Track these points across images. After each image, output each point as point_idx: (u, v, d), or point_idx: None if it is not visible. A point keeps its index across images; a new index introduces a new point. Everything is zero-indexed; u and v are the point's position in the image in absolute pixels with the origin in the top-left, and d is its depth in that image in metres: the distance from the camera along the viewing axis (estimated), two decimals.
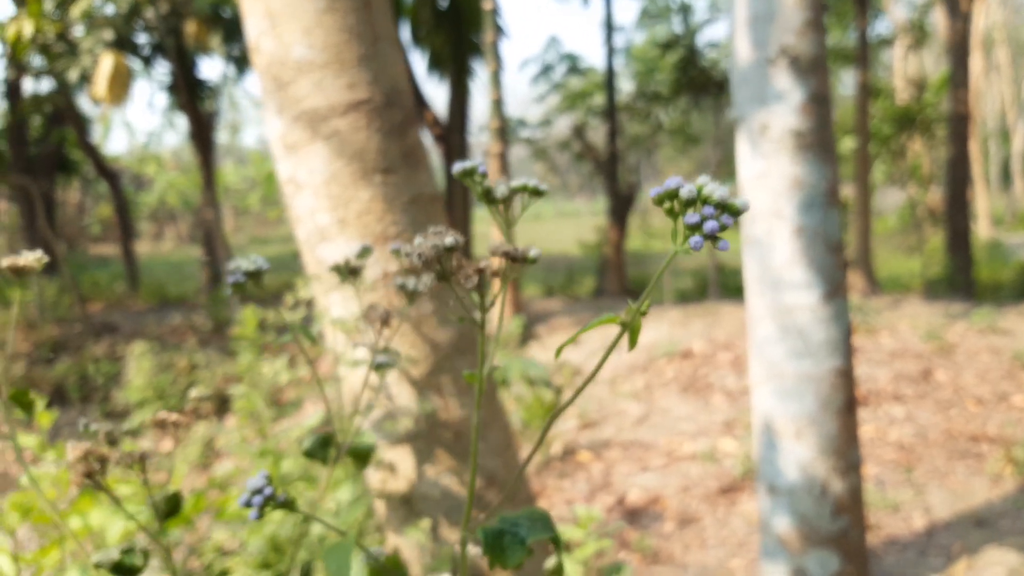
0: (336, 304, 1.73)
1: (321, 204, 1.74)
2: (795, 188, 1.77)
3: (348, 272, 1.49)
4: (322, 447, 0.89)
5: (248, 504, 0.49)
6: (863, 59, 8.66)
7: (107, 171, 12.21)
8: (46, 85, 12.18)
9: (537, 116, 12.27)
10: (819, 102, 1.73)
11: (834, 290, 1.78)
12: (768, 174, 1.79)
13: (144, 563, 0.74)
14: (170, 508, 0.77)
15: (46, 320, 10.18)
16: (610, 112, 9.31)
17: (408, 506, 1.73)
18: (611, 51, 9.37)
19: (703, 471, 3.81)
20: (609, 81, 9.30)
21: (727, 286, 9.89)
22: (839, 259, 1.81)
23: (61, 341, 9.81)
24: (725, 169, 10.72)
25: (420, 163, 1.80)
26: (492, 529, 0.52)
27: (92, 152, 12.18)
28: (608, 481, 3.89)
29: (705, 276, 10.54)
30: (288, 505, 0.50)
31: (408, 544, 1.73)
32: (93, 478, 0.72)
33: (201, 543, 3.25)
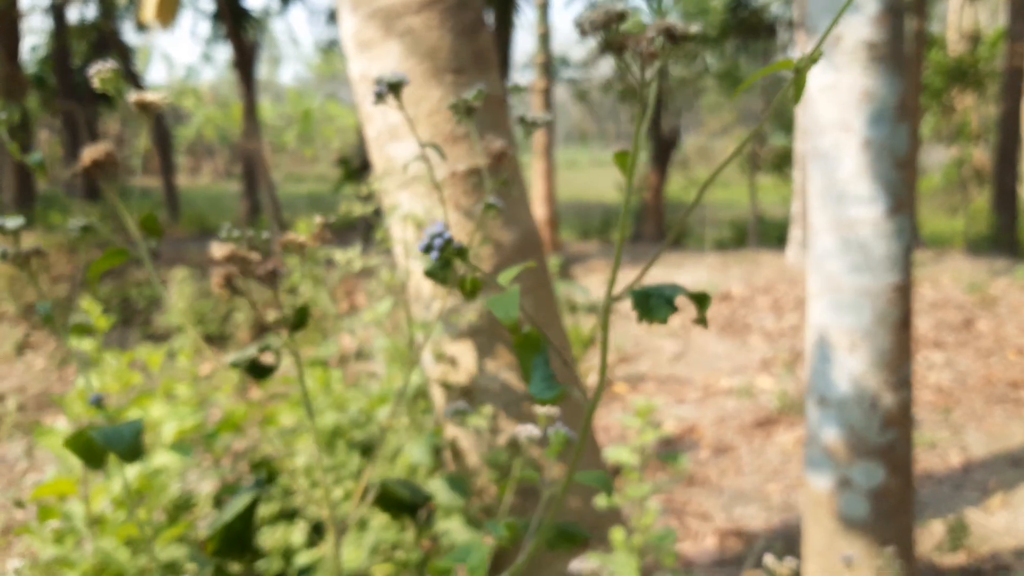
0: (405, 201, 1.77)
1: (392, 102, 1.76)
2: (865, 100, 1.76)
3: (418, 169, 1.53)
4: (443, 267, 0.93)
5: (428, 248, 0.53)
6: (920, 7, 8.44)
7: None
8: (92, 11, 12.24)
9: (579, 57, 12.12)
10: (894, 13, 1.72)
11: (898, 206, 1.79)
12: (838, 86, 1.79)
13: (278, 363, 0.79)
14: (299, 320, 0.81)
15: (90, 244, 10.30)
16: None
17: (467, 398, 1.79)
18: None
19: (739, 405, 3.85)
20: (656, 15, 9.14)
21: (766, 236, 9.82)
22: (905, 175, 1.82)
23: None
24: (773, 120, 10.55)
25: (489, 65, 1.82)
26: (639, 291, 0.56)
27: (135, 81, 12.25)
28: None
29: (744, 227, 10.47)
30: (461, 253, 0.54)
31: (465, 434, 1.79)
32: (232, 283, 0.76)
33: (250, 451, 3.36)
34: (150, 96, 0.85)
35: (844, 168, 1.79)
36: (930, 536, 2.52)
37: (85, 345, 3.14)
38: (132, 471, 2.47)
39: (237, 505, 0.69)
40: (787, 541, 2.53)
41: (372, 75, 1.77)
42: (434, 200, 1.74)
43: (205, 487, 2.85)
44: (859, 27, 1.75)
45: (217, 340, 8.11)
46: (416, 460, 1.67)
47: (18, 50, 11.71)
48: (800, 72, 0.49)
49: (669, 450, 3.50)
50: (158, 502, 2.48)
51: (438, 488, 1.68)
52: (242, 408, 3.22)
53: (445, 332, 1.79)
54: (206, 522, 2.51)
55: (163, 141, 13.50)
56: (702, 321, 0.56)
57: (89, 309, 3.35)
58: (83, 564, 2.30)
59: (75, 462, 2.51)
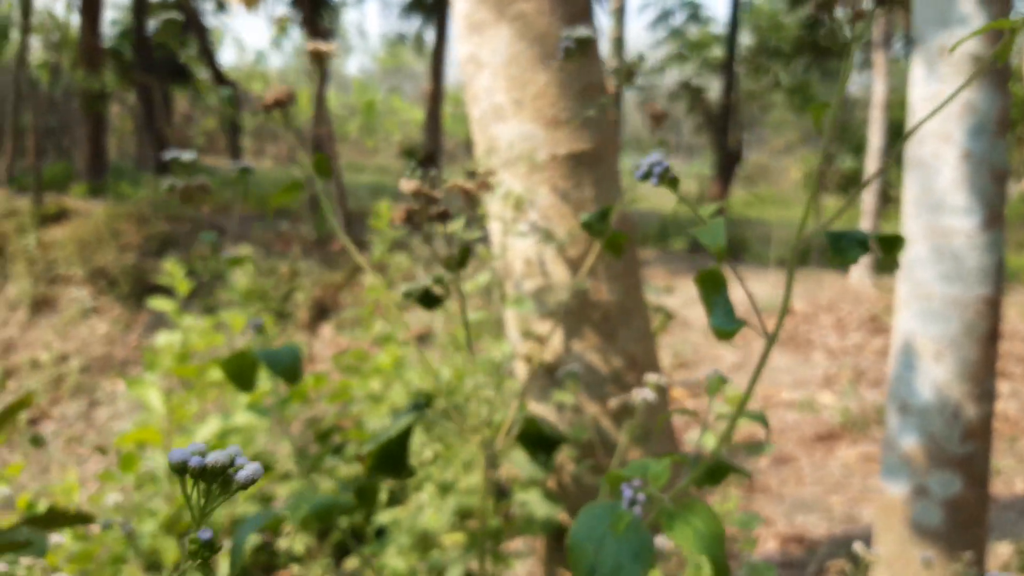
0: (506, 180, 1.82)
1: (499, 84, 1.82)
2: (967, 112, 1.77)
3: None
4: (600, 220, 0.97)
5: (647, 174, 0.57)
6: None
7: (223, 80, 12.56)
8: None
9: (649, 65, 12.11)
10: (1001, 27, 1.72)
11: (993, 219, 1.79)
12: (941, 97, 1.79)
13: (446, 294, 0.84)
14: (462, 258, 0.86)
15: (157, 216, 10.65)
16: (728, 64, 9.15)
17: (550, 376, 1.83)
18: (736, 1, 9.17)
19: (799, 418, 3.83)
20: (732, 30, 9.12)
21: (827, 255, 9.70)
22: (1002, 189, 1.82)
23: (170, 237, 10.27)
24: (842, 142, 10.42)
25: (594, 54, 1.86)
26: (833, 232, 0.60)
27: (210, 60, 12.54)
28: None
29: (808, 246, 10.34)
30: (673, 182, 0.58)
31: (547, 411, 1.84)
32: (412, 219, 0.82)
33: (319, 419, 3.45)
34: (323, 46, 0.90)
35: (942, 178, 1.80)
36: (995, 558, 2.50)
37: (165, 306, 3.25)
38: (212, 427, 2.57)
39: (398, 425, 0.74)
40: (851, 550, 2.52)
41: (482, 57, 1.83)
42: (533, 181, 1.78)
43: (280, 450, 2.93)
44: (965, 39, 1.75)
45: (277, 318, 8.27)
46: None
47: (99, 22, 12.07)
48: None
49: (729, 456, 3.50)
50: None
51: (520, 460, 1.72)
52: (311, 379, 3.31)
53: (534, 311, 1.83)
54: (283, 489, 2.59)
55: (234, 128, 13.80)
56: (892, 263, 0.59)
57: (173, 271, 3.46)
58: (163, 512, 2.39)
59: (159, 414, 2.61)
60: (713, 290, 0.60)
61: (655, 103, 1.07)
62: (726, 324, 0.59)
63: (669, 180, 0.56)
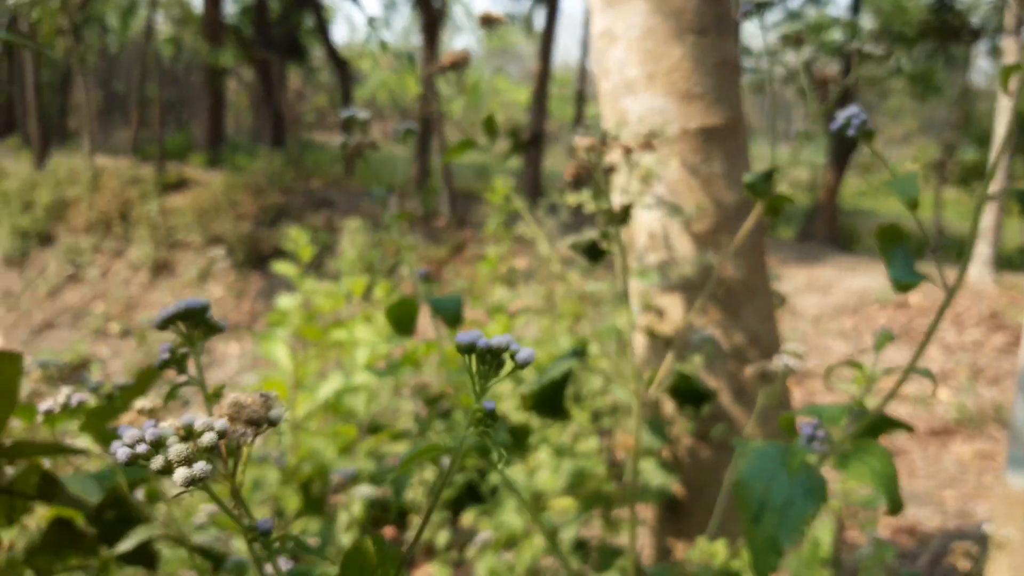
0: (635, 153, 1.83)
1: (632, 58, 1.83)
2: None
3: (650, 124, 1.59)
4: (764, 180, 1.00)
5: (843, 127, 0.59)
6: None
7: (338, 57, 12.89)
8: None
9: (759, 48, 11.82)
10: None
11: None
12: None
13: (611, 249, 0.88)
14: (624, 215, 0.90)
15: (272, 188, 11.05)
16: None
17: (669, 350, 1.85)
18: None
19: (912, 412, 3.73)
20: (854, 13, 8.82)
21: (946, 250, 9.33)
22: None
23: (284, 208, 10.65)
24: (966, 131, 9.96)
25: (730, 30, 1.85)
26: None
27: (326, 38, 12.89)
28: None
29: (923, 239, 9.96)
30: (869, 135, 0.60)
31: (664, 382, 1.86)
32: (582, 175, 0.86)
33: (427, 385, 3.54)
34: (494, 13, 0.94)
35: None
36: None
37: (288, 270, 3.40)
38: (334, 384, 2.69)
39: (559, 368, 0.79)
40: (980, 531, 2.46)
41: (616, 31, 1.85)
42: (662, 154, 1.80)
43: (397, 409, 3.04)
44: None
45: None
46: (620, 399, 1.75)
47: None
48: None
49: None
50: (361, 413, 2.68)
51: (639, 429, 1.75)
52: (424, 345, 3.41)
53: (656, 284, 1.85)
54: (399, 447, 2.70)
55: (346, 99, 14.16)
56: None
57: (297, 237, 3.60)
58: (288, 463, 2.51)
59: (285, 369, 2.74)
60: (892, 243, 0.62)
61: (823, 67, 1.08)
62: (905, 276, 0.60)
63: (866, 132, 0.58)
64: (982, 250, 7.14)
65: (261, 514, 2.22)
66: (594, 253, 0.92)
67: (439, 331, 1.60)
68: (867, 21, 10.54)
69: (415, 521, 2.13)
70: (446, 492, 2.23)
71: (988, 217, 7.38)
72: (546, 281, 3.09)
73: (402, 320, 1.01)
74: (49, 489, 0.93)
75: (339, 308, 3.12)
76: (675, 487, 1.87)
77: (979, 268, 7.08)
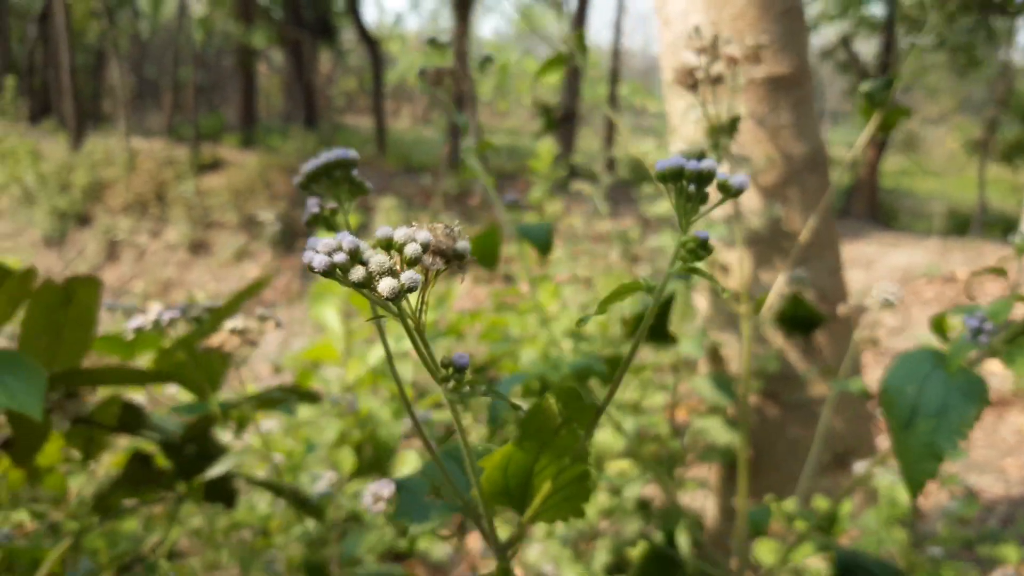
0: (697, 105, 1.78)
1: (695, 5, 1.78)
2: None
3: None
4: (884, 88, 0.95)
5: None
6: None
7: (369, 37, 12.87)
8: None
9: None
10: None
11: None
12: None
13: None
14: (732, 124, 0.86)
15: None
16: (889, 21, 8.67)
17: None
18: None
19: None
20: None
21: (989, 228, 9.15)
22: None
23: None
24: (1009, 108, 9.73)
25: None
26: None
27: (357, 17, 12.86)
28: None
29: (963, 217, 9.80)
30: None
31: (732, 341, 1.81)
32: (696, 79, 0.82)
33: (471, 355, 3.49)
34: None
35: None
36: None
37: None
38: (381, 350, 2.66)
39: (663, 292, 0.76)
40: None
41: None
42: (726, 105, 1.74)
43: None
44: None
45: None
46: (687, 353, 1.71)
47: None
48: None
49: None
50: (407, 380, 2.66)
51: (703, 385, 1.71)
52: (467, 316, 3.38)
53: (719, 239, 1.80)
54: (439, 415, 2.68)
55: (377, 83, 14.13)
56: None
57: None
58: (336, 426, 2.50)
59: (336, 335, 2.72)
60: None
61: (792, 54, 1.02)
62: None
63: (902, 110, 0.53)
64: None
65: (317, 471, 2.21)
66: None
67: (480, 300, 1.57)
68: None
69: None
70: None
71: None
72: (596, 244, 3.05)
73: (487, 251, 0.98)
74: (132, 420, 0.91)
75: None
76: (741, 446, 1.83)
77: None
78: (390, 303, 0.39)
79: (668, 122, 1.90)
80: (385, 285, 0.38)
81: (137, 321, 0.80)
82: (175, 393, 1.58)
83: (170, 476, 1.01)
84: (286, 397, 1.00)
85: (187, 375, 0.95)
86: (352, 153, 0.56)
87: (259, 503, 1.65)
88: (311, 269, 0.40)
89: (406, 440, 2.28)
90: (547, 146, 3.25)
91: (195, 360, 0.83)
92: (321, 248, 0.40)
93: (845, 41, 9.72)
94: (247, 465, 1.67)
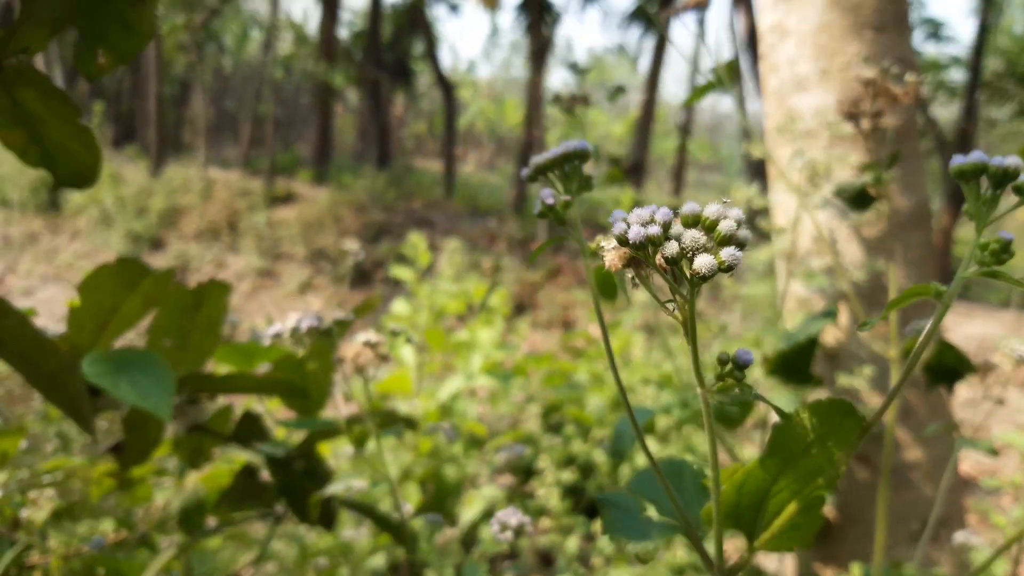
0: (808, 150, 1.76)
1: (804, 53, 1.76)
2: None
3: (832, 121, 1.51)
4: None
5: None
6: None
7: (445, 81, 13.11)
8: None
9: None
10: None
11: None
12: None
13: (879, 196, 0.81)
14: (892, 160, 0.83)
15: (375, 206, 11.26)
16: (971, 87, 8.54)
17: (832, 360, 1.75)
18: (985, 22, 8.55)
19: None
20: (978, 51, 8.52)
21: None
22: None
23: (385, 225, 10.82)
24: None
25: (907, 27, 1.76)
26: None
27: (435, 61, 13.12)
28: None
29: None
30: None
31: (823, 397, 1.75)
32: (858, 114, 0.80)
33: (534, 397, 3.47)
34: (582, 95, 0.89)
35: None
36: None
37: (406, 275, 3.40)
38: (456, 383, 2.65)
39: (807, 331, 0.72)
40: None
41: (788, 25, 1.78)
42: (834, 154, 1.71)
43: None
44: None
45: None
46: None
47: (336, 19, 12.91)
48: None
49: (968, 490, 3.26)
50: (473, 417, 2.64)
51: None
52: (532, 359, 3.34)
53: (817, 292, 1.76)
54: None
55: (450, 126, 14.36)
56: None
57: (416, 243, 3.60)
58: (403, 458, 2.48)
59: (410, 367, 2.72)
60: None
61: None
62: None
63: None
64: None
65: (385, 505, 2.19)
66: (861, 200, 0.85)
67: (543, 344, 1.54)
68: (991, 61, 10.15)
69: (544, 523, 2.07)
70: (581, 500, 2.16)
71: None
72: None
73: (606, 284, 0.96)
74: (248, 430, 0.91)
75: (462, 311, 3.10)
76: (827, 509, 1.76)
77: None
78: (663, 295, 0.38)
79: (771, 169, 1.87)
80: (702, 262, 0.37)
81: (276, 328, 0.80)
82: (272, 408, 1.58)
83: (271, 492, 1.00)
84: (398, 417, 0.99)
85: (309, 387, 0.95)
86: (588, 145, 0.55)
87: (342, 528, 1.63)
88: (622, 242, 0.39)
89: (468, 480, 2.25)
90: (629, 193, 3.23)
91: (314, 375, 0.82)
92: (634, 219, 0.39)
93: (924, 106, 9.57)
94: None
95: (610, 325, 3.38)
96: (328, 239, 10.42)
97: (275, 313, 10.07)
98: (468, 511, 2.15)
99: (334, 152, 17.87)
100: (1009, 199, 0.43)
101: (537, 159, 0.54)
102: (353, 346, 0.74)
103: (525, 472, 2.46)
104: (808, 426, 0.41)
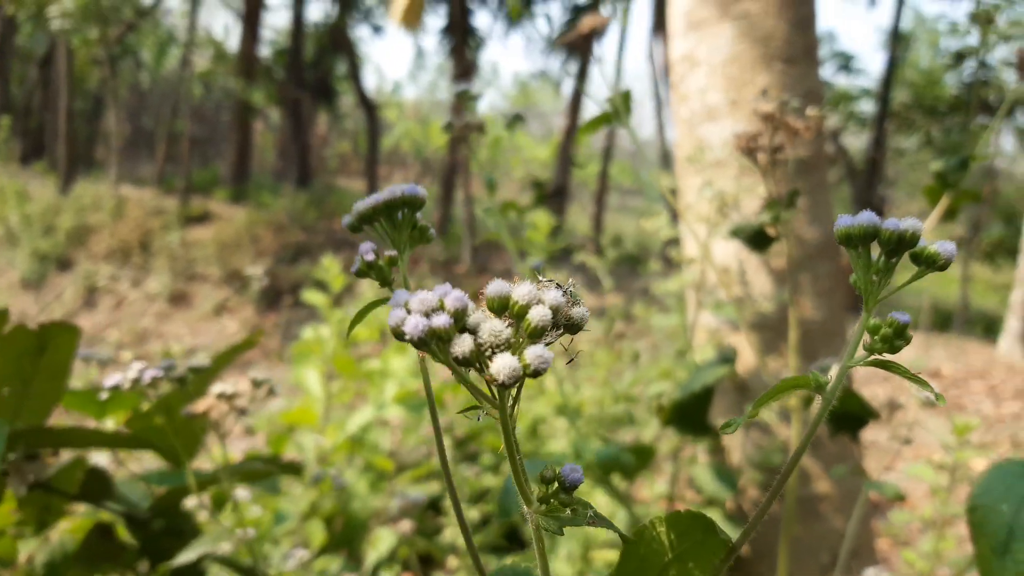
0: (716, 180, 1.74)
1: (715, 83, 1.75)
2: None
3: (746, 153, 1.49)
4: (957, 169, 0.89)
5: None
6: None
7: (368, 102, 12.99)
8: (331, 9, 13.08)
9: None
10: None
11: None
12: None
13: (779, 236, 0.77)
14: (791, 199, 0.79)
15: (294, 226, 11.04)
16: (880, 117, 8.85)
17: (741, 393, 1.73)
18: (893, 56, 8.89)
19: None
20: (886, 85, 8.83)
21: (971, 325, 9.18)
22: None
23: (304, 246, 10.61)
24: (993, 208, 9.88)
25: (816, 60, 1.77)
26: None
27: (358, 82, 12.99)
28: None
29: (945, 313, 9.84)
30: None
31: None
32: (754, 150, 0.76)
33: (451, 428, 3.38)
34: (518, 114, 0.85)
35: None
36: None
37: (318, 300, 3.30)
38: (363, 417, 2.56)
39: (702, 379, 0.68)
40: None
41: (698, 55, 1.77)
42: (743, 185, 1.70)
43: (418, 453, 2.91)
44: None
45: None
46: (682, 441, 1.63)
47: (257, 37, 12.69)
48: None
49: (878, 514, 3.30)
50: (385, 449, 2.55)
51: (703, 475, 1.63)
52: (447, 386, 3.27)
53: (725, 323, 1.74)
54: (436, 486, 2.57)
55: (372, 147, 14.21)
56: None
57: (329, 266, 3.50)
58: (307, 496, 2.38)
59: (316, 398, 2.62)
60: None
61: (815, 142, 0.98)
62: None
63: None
64: (1013, 325, 7.00)
65: (284, 547, 2.08)
66: (760, 240, 0.82)
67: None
68: (899, 93, 10.56)
69: (452, 564, 1.99)
70: (485, 536, 2.09)
71: (1018, 293, 7.25)
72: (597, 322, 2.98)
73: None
74: (96, 488, 0.82)
75: (375, 338, 3.01)
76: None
77: (1009, 343, 6.93)
78: (482, 385, 0.31)
79: (680, 199, 1.85)
80: (502, 366, 0.30)
81: (115, 378, 0.71)
82: (143, 456, 1.47)
83: (132, 553, 0.91)
84: (269, 470, 0.91)
85: (164, 441, 0.86)
86: (422, 191, 0.48)
87: None
88: (399, 336, 0.31)
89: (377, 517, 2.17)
90: (544, 217, 3.20)
91: (174, 426, 0.74)
92: (415, 306, 0.31)
93: (834, 136, 9.89)
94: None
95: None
96: (244, 260, 10.15)
97: (189, 337, 9.74)
98: (373, 552, 2.06)
99: (254, 171, 17.52)
100: (902, 272, 0.38)
101: (360, 205, 0.48)
102: (206, 399, 0.66)
103: (434, 508, 2.38)
104: (665, 543, 0.35)
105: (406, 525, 1.58)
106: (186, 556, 0.72)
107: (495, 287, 0.32)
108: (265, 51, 15.67)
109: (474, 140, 1.03)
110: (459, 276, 9.86)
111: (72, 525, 1.14)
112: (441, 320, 0.30)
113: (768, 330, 1.71)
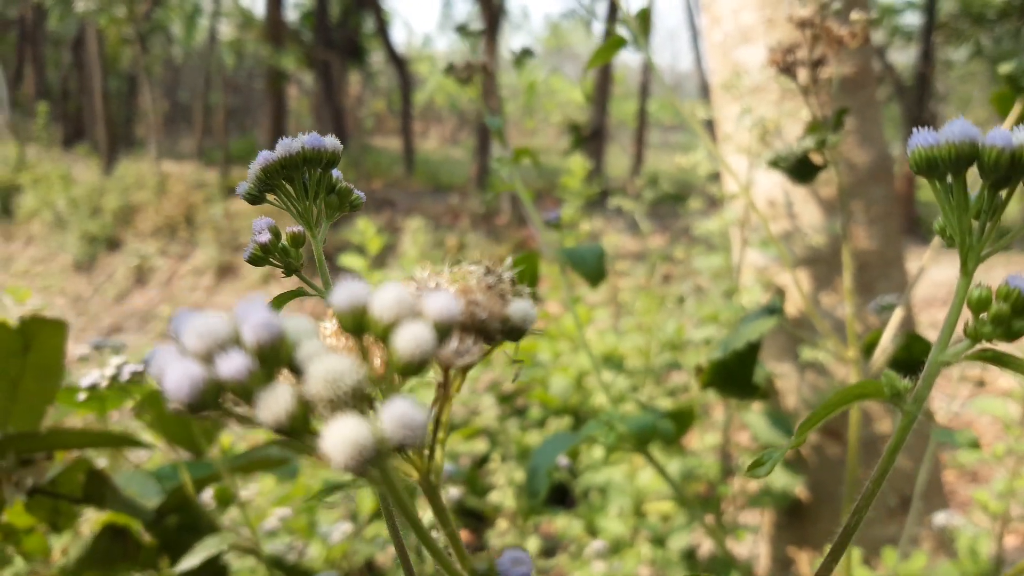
0: (755, 106, 1.62)
1: (748, 1, 1.62)
2: None
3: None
4: None
5: None
6: None
7: (398, 58, 12.84)
8: None
9: None
10: None
11: None
12: None
13: (825, 164, 0.68)
14: (839, 118, 0.70)
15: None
16: (927, 29, 8.44)
17: (793, 332, 1.63)
18: None
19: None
20: None
21: None
22: None
23: None
24: None
25: None
26: None
27: (386, 39, 12.84)
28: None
29: (1007, 229, 9.48)
30: None
31: (788, 370, 1.64)
32: (791, 63, 0.66)
33: (499, 383, 3.35)
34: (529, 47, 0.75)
35: None
36: None
37: (356, 263, 3.25)
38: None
39: (745, 334, 0.61)
40: None
41: None
42: (785, 108, 1.58)
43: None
44: None
45: None
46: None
47: (282, 1, 12.57)
48: None
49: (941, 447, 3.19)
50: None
51: (758, 422, 1.54)
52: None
53: (774, 260, 1.64)
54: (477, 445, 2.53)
55: (405, 103, 14.10)
56: None
57: (365, 229, 3.45)
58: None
59: None
60: None
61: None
62: None
63: None
64: None
65: (329, 519, 2.06)
66: (804, 170, 0.73)
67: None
68: (945, 2, 10.05)
69: (501, 525, 1.95)
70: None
71: None
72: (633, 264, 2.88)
73: (525, 276, 0.83)
74: (97, 490, 0.76)
75: None
76: (798, 489, 1.65)
77: None
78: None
79: (718, 129, 1.74)
80: (338, 439, 0.18)
81: (92, 377, 0.65)
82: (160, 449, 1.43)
83: (150, 552, 0.86)
84: (286, 456, 0.85)
85: (182, 429, 0.80)
86: (330, 142, 0.38)
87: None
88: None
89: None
90: (579, 162, 3.09)
91: (167, 426, 0.69)
92: (192, 341, 0.20)
93: (880, 52, 9.48)
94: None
95: (572, 299, 3.25)
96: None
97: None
98: (425, 515, 2.02)
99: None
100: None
101: (253, 167, 0.38)
102: None
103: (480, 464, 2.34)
104: None
105: (453, 492, 1.53)
106: (189, 561, 0.67)
107: (345, 293, 0.22)
108: (292, 15, 15.55)
109: (477, 81, 0.94)
110: (500, 227, 9.77)
111: (101, 520, 1.10)
112: (234, 365, 0.19)
113: (821, 264, 1.60)
